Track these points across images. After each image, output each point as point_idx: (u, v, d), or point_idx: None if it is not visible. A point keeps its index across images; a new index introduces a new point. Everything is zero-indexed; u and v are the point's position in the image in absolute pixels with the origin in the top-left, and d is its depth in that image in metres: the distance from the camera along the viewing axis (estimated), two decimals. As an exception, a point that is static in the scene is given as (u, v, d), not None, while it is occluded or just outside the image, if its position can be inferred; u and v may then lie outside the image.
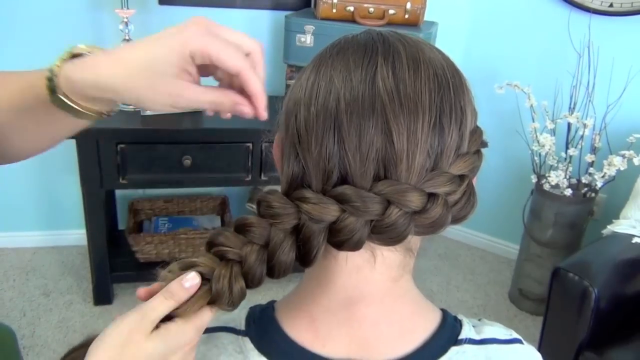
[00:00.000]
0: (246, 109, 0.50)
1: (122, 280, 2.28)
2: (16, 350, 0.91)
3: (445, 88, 0.47)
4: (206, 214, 2.52)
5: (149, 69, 0.48)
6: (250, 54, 0.51)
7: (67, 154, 2.18)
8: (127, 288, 2.29)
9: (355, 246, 0.45)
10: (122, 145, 1.95)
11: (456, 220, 0.49)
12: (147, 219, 2.46)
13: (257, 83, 0.49)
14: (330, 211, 0.44)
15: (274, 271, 0.45)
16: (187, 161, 2.00)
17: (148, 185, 2.23)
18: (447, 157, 0.47)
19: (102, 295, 2.20)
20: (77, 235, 2.48)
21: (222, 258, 0.45)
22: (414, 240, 0.51)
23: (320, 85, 0.47)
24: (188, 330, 0.46)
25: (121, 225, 2.48)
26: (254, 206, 2.31)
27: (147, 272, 2.26)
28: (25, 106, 0.57)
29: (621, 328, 1.68)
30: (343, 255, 0.49)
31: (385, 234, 0.45)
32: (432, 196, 0.46)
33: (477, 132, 0.50)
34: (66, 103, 0.53)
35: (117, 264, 2.20)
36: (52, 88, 0.53)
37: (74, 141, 1.91)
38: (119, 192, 2.47)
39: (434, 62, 0.48)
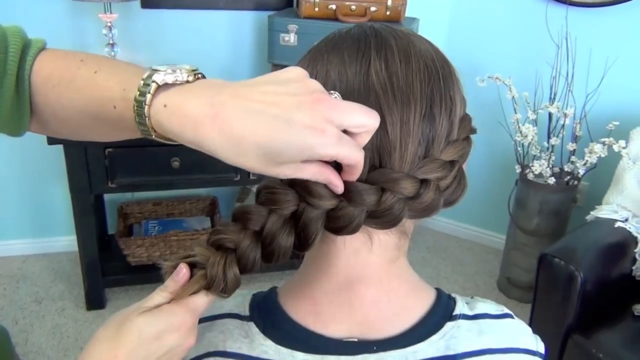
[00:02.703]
0: (338, 190, 0.46)
1: (114, 285, 2.28)
2: (10, 351, 0.91)
3: (435, 78, 0.50)
4: (196, 216, 2.53)
5: (265, 157, 0.42)
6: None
7: (54, 159, 2.19)
8: (119, 292, 2.30)
9: (353, 231, 0.47)
10: (110, 149, 1.95)
11: (448, 203, 0.51)
12: (136, 223, 2.46)
13: (360, 169, 0.46)
14: (329, 201, 0.46)
15: (272, 256, 0.47)
16: (176, 163, 2.01)
17: (137, 189, 2.23)
18: (438, 144, 0.49)
19: (95, 300, 2.20)
20: (67, 241, 2.48)
21: (218, 247, 0.47)
22: (407, 224, 0.54)
23: (318, 79, 0.49)
24: (178, 310, 0.48)
25: (111, 230, 2.48)
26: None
27: (139, 275, 2.26)
28: (102, 117, 0.51)
29: (607, 310, 1.73)
30: (341, 239, 0.52)
31: (382, 218, 0.48)
32: (424, 182, 0.48)
33: (466, 119, 0.53)
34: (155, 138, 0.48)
35: (108, 269, 2.21)
36: (144, 130, 0.47)
37: (61, 147, 1.91)
38: (107, 197, 2.47)
39: (424, 54, 0.50)
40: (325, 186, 0.46)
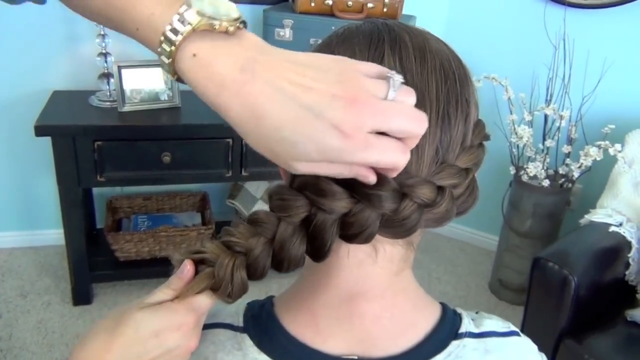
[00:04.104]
0: (370, 180, 0.42)
1: (102, 280, 2.25)
2: None
3: (451, 80, 0.47)
4: (186, 211, 2.50)
5: (281, 146, 0.40)
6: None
7: (42, 151, 2.14)
8: (106, 287, 2.26)
9: (367, 240, 0.44)
10: (100, 143, 1.91)
11: (459, 213, 0.49)
12: (125, 217, 2.42)
13: (398, 170, 0.42)
14: (343, 202, 0.43)
15: (282, 265, 0.44)
16: (167, 158, 1.98)
17: (127, 183, 2.20)
18: (453, 150, 0.47)
19: (81, 295, 2.16)
20: (54, 235, 2.43)
21: (229, 248, 0.45)
22: (416, 235, 0.51)
23: None
24: (179, 309, 0.46)
25: (99, 224, 2.44)
26: (235, 202, 2.26)
27: (127, 271, 2.23)
28: (122, 30, 0.45)
29: (600, 315, 1.72)
30: (345, 249, 0.49)
31: (396, 228, 0.45)
32: (441, 189, 0.45)
33: (479, 124, 0.50)
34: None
35: (96, 263, 2.17)
36: (166, 69, 0.43)
37: (49, 139, 1.87)
38: (96, 190, 2.42)
39: (439, 54, 0.48)
40: (341, 184, 0.43)
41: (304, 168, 0.41)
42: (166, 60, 0.42)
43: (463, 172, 0.47)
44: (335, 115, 0.38)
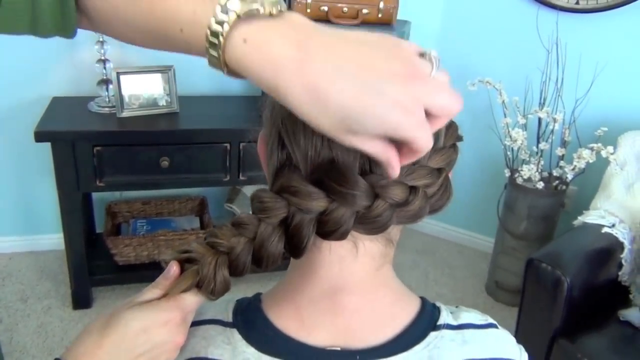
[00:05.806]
0: (394, 173, 0.44)
1: (101, 284, 2.26)
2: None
3: None
4: (185, 215, 2.52)
5: (342, 122, 0.40)
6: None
7: (42, 156, 2.17)
8: (106, 291, 2.28)
9: (342, 236, 0.47)
10: (99, 148, 1.94)
11: (433, 210, 0.51)
12: (125, 222, 2.44)
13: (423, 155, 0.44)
14: (319, 202, 0.46)
15: (262, 262, 0.47)
16: (165, 162, 2.00)
17: (126, 188, 2.22)
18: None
19: (81, 300, 2.18)
20: (54, 239, 2.45)
21: (213, 248, 0.48)
22: (394, 232, 0.54)
23: None
24: (167, 306, 0.49)
25: (99, 228, 2.46)
26: (233, 206, 2.28)
27: (126, 275, 2.25)
28: (165, 39, 0.45)
29: (593, 315, 1.74)
30: (326, 246, 0.51)
31: (370, 224, 0.47)
32: (413, 189, 0.48)
33: (452, 126, 0.52)
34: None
35: (95, 268, 2.19)
36: (214, 62, 0.43)
37: (49, 144, 1.90)
38: (95, 195, 2.45)
39: None
40: (316, 185, 0.46)
41: (353, 142, 0.42)
42: (215, 54, 0.42)
43: (435, 172, 0.49)
44: (398, 92, 0.39)
